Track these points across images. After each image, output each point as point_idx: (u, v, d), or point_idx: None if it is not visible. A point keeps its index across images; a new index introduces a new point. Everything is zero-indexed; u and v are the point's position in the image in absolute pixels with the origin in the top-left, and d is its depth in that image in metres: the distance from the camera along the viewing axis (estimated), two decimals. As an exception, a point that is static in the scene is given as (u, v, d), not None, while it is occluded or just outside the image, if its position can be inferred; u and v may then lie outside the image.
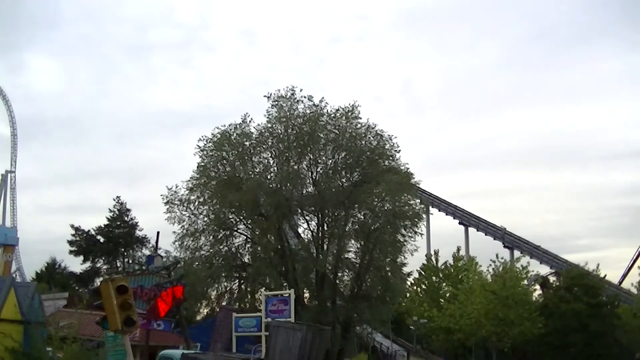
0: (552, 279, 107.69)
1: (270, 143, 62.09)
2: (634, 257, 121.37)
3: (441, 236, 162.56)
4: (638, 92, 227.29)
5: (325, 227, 62.36)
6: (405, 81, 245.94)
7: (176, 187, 62.29)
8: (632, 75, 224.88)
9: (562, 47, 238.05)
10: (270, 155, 62.54)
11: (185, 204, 61.80)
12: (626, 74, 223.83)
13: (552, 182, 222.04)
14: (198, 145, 62.47)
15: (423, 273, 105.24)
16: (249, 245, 64.28)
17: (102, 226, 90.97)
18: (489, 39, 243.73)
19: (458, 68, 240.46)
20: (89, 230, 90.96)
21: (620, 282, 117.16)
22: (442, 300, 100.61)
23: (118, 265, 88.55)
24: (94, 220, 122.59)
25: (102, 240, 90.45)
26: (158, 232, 59.33)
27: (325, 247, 61.74)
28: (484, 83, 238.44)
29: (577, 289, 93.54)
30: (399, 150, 64.22)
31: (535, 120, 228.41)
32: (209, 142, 62.25)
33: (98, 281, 77.89)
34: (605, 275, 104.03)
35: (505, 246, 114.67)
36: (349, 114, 62.61)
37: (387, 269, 63.69)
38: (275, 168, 61.85)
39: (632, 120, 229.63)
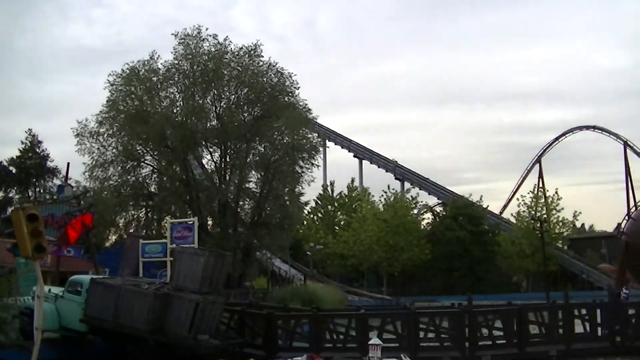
0: (439, 209, 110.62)
1: (176, 79, 62.33)
2: (514, 190, 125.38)
3: (337, 168, 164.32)
4: (521, 41, 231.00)
5: (228, 159, 63.09)
6: (307, 22, 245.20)
7: (86, 120, 62.37)
8: (516, 26, 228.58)
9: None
10: (176, 90, 62.82)
11: (95, 137, 61.90)
12: (511, 24, 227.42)
13: (441, 120, 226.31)
14: (108, 80, 62.43)
15: (319, 202, 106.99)
16: (155, 176, 64.66)
17: (14, 157, 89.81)
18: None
19: (359, 11, 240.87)
20: (1, 162, 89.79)
21: (501, 213, 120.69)
22: (337, 228, 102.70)
23: (30, 194, 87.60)
24: (8, 152, 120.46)
25: (14, 170, 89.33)
26: (68, 163, 59.02)
27: (227, 177, 62.63)
28: (382, 27, 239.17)
29: (461, 218, 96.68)
30: (299, 87, 65.37)
31: (428, 64, 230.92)
32: (119, 77, 62.20)
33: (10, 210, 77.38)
34: (488, 206, 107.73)
35: (396, 178, 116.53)
36: (252, 52, 63.35)
37: (286, 198, 65.03)
38: (181, 102, 62.18)
39: (516, 65, 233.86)
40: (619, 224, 60.54)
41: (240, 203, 64.62)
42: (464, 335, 32.11)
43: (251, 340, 33.87)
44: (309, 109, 65.92)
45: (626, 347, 33.96)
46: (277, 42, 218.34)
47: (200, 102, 62.18)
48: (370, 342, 26.34)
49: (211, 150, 64.58)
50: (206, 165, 67.02)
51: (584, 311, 35.24)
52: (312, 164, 65.06)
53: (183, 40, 62.15)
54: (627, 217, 58.96)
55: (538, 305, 37.76)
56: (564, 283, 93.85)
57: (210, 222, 64.83)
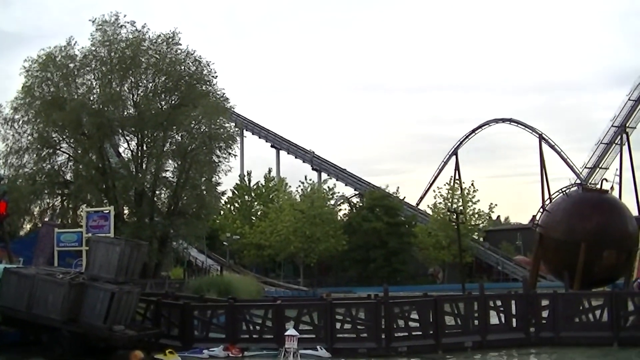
0: (356, 200, 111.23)
1: (93, 66, 61.45)
2: (431, 181, 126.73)
3: (254, 158, 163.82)
4: (437, 29, 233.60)
5: (145, 147, 62.51)
6: (228, 9, 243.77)
7: (0, 106, 61.48)
8: (431, 16, 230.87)
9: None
10: (93, 77, 61.94)
11: (9, 123, 60.94)
12: (427, 14, 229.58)
13: (359, 110, 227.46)
14: (24, 66, 61.30)
15: (236, 192, 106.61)
16: (71, 164, 63.65)
17: None
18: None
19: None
20: None
21: (418, 204, 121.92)
22: (254, 218, 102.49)
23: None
24: None
25: None
26: (-18, 150, 58.46)
27: (144, 166, 62.07)
28: (303, 13, 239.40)
29: (378, 209, 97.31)
30: (216, 76, 65.27)
31: (349, 53, 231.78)
32: (35, 63, 61.14)
33: None
34: (405, 197, 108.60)
35: (313, 169, 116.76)
36: (170, 40, 62.93)
37: (203, 187, 64.84)
38: (98, 90, 61.28)
39: (436, 57, 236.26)
40: (534, 216, 61.52)
41: (157, 192, 64.08)
42: (380, 326, 32.47)
43: (167, 330, 33.80)
44: (227, 98, 65.91)
45: (540, 338, 34.73)
46: (197, 28, 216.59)
47: (118, 89, 61.52)
48: (286, 333, 26.52)
49: (128, 138, 63.94)
50: (123, 154, 66.31)
51: (499, 302, 35.95)
52: (229, 153, 65.03)
53: (101, 27, 61.33)
54: (541, 209, 60.02)
55: (454, 297, 38.36)
56: (480, 274, 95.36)
57: (126, 211, 64.15)
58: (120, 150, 66.74)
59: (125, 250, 31.25)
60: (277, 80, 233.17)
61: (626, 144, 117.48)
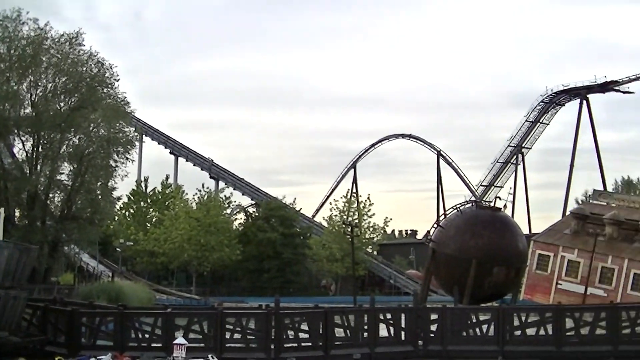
0: (252, 209, 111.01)
1: (-9, 62, 60.21)
2: (328, 194, 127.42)
3: (152, 164, 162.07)
4: (342, 44, 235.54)
5: (40, 149, 61.07)
6: (134, 12, 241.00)
7: None
8: (336, 30, 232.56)
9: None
10: (-10, 74, 60.62)
11: None
12: (332, 28, 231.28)
13: (261, 120, 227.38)
14: None
15: (132, 198, 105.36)
16: (-40, 162, 62.20)
17: None
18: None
19: (188, 5, 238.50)
20: None
21: (314, 216, 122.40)
22: (149, 225, 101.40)
23: None
24: None
25: None
26: None
27: (38, 168, 60.77)
28: (208, 22, 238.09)
29: (274, 219, 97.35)
30: (118, 79, 64.25)
31: (251, 62, 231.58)
32: None
33: None
34: (301, 209, 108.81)
35: (211, 177, 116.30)
36: (73, 40, 61.69)
37: (98, 192, 63.82)
38: (-5, 87, 60.01)
39: (337, 70, 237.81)
40: (428, 232, 62.52)
41: (51, 195, 62.74)
42: (270, 336, 32.32)
43: (53, 337, 32.96)
44: (128, 102, 65.14)
45: (428, 351, 35.11)
46: (102, 31, 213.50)
47: (15, 87, 60.04)
48: (175, 342, 26.20)
49: (23, 139, 62.35)
50: (17, 155, 64.74)
51: (388, 315, 36.19)
52: (127, 158, 64.13)
53: (1, 23, 59.84)
54: (435, 225, 60.93)
55: (344, 309, 38.46)
56: (372, 287, 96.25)
57: (17, 214, 62.72)
58: (15, 150, 65.16)
59: (14, 254, 30.43)
60: (178, 87, 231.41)
61: (521, 163, 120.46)
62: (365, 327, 34.93)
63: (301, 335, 33.66)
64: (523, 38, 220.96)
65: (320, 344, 33.17)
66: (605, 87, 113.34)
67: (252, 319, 34.09)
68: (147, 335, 32.85)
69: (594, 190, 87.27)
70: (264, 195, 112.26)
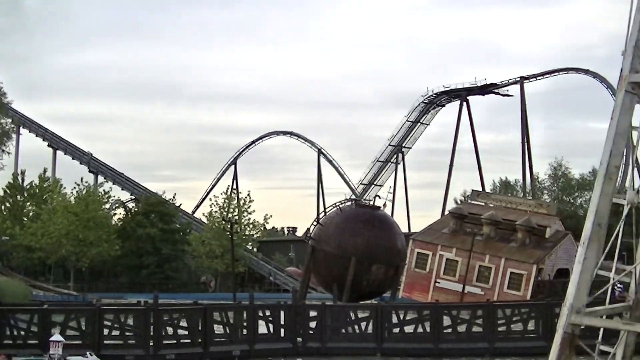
0: (132, 204, 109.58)
1: None
2: (208, 190, 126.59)
3: (29, 157, 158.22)
4: (228, 39, 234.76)
5: None
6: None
7: None
8: (222, 25, 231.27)
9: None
10: None
11: None
12: (218, 23, 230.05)
13: (143, 115, 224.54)
14: None
15: (8, 191, 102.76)
16: None
17: None
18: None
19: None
20: None
21: (194, 212, 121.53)
22: (26, 219, 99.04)
23: None
24: None
25: None
26: None
27: None
28: (91, 13, 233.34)
29: (153, 215, 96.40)
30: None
31: (133, 56, 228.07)
32: None
33: None
34: (181, 205, 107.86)
35: (90, 171, 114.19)
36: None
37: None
38: None
39: (220, 65, 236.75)
40: (308, 229, 62.80)
41: None
42: (148, 333, 32.12)
43: None
44: (4, 93, 63.60)
45: (307, 348, 35.39)
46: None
47: None
48: (51, 339, 25.80)
49: None
50: None
51: (268, 312, 36.37)
52: (3, 150, 62.77)
53: None
54: (315, 223, 61.27)
55: (223, 306, 38.47)
56: (252, 284, 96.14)
57: None
58: None
59: None
60: (58, 79, 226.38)
61: (401, 163, 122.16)
62: (245, 324, 35.04)
63: (180, 332, 33.57)
64: (407, 39, 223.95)
65: (199, 340, 33.14)
66: (485, 89, 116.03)
67: (130, 316, 33.82)
68: (22, 333, 32.28)
69: (473, 190, 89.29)
70: (144, 191, 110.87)
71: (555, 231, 70.27)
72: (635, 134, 11.00)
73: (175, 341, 33.18)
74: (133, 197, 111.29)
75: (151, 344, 31.89)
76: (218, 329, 34.88)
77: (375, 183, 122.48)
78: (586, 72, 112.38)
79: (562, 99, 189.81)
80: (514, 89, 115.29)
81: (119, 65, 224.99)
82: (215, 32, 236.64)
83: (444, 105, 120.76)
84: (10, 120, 67.89)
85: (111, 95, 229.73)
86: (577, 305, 9.36)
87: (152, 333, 32.20)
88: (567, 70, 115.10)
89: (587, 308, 9.50)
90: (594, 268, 9.69)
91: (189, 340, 33.35)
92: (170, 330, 33.31)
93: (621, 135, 9.84)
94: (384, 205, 68.57)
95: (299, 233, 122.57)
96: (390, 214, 75.17)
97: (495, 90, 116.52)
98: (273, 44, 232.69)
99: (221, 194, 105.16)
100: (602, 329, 11.12)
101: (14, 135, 72.71)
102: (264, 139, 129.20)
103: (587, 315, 9.51)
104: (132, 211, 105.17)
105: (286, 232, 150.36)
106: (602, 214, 9.67)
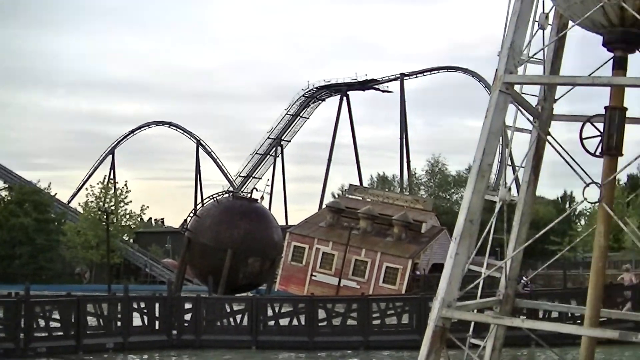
0: (4, 193, 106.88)
1: None
2: (85, 179, 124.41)
3: None
4: (106, 25, 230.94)
5: None
6: None
7: None
8: (100, 10, 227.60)
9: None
10: None
11: None
12: (94, 7, 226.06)
13: (18, 100, 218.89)
14: None
15: None
16: None
17: None
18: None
19: None
20: None
21: (69, 202, 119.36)
22: None
23: None
24: None
25: None
26: None
27: None
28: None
29: (27, 204, 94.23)
30: None
31: (8, 39, 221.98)
32: None
33: None
34: (56, 194, 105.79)
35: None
36: None
37: None
38: None
39: (99, 51, 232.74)
40: (185, 220, 62.40)
41: None
42: (19, 326, 31.40)
43: None
44: None
45: (182, 341, 35.20)
46: None
47: None
48: None
49: None
50: None
51: (142, 304, 36.02)
52: None
53: None
54: (192, 214, 60.96)
55: (97, 297, 37.95)
56: (128, 276, 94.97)
57: None
58: None
59: None
60: None
61: (280, 155, 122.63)
62: (119, 316, 34.64)
63: (52, 324, 32.93)
64: (289, 31, 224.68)
65: (72, 333, 32.58)
66: (366, 85, 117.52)
67: (0, 308, 33.02)
68: None
69: (350, 184, 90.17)
70: (18, 179, 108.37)
71: (431, 227, 71.61)
72: (508, 132, 11.30)
73: (47, 334, 32.54)
74: (6, 186, 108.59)
75: (21, 336, 31.19)
76: (92, 321, 34.36)
77: (253, 176, 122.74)
78: (465, 71, 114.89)
79: (442, 96, 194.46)
80: (395, 86, 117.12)
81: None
82: (97, 18, 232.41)
83: (324, 100, 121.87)
84: None
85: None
86: (448, 299, 9.54)
87: (22, 326, 31.49)
88: (446, 68, 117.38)
89: (458, 302, 9.70)
90: (465, 263, 9.87)
91: (61, 333, 32.75)
92: (42, 322, 32.63)
93: (494, 134, 10.07)
94: (262, 197, 68.68)
95: (176, 224, 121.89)
96: (267, 207, 75.31)
97: (376, 86, 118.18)
98: (154, 33, 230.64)
99: (98, 183, 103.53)
100: (472, 323, 11.39)
101: None
102: (142, 129, 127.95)
103: (458, 309, 9.69)
104: (5, 200, 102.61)
105: (162, 223, 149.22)
106: (474, 211, 9.86)
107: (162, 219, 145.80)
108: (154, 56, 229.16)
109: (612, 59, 11.66)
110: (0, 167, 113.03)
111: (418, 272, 66.67)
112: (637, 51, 12.17)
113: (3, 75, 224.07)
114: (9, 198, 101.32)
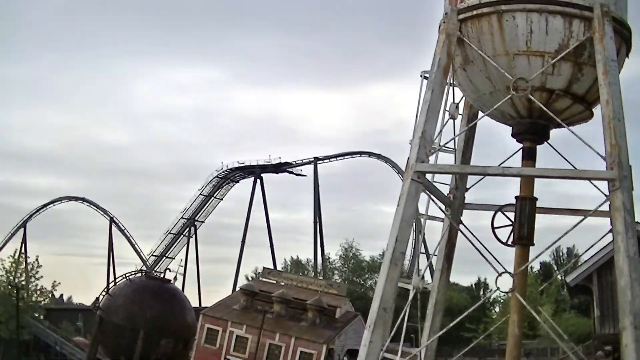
0: None
1: None
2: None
3: None
4: (24, 100, 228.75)
5: None
6: None
7: None
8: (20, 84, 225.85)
9: None
10: None
11: None
12: (18, 82, 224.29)
13: None
14: None
15: None
16: None
17: None
18: None
19: None
20: None
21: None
22: None
23: None
24: None
25: None
26: None
27: None
28: None
29: None
30: None
31: None
32: None
33: None
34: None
35: None
36: None
37: None
38: None
39: (16, 124, 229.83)
40: (97, 298, 61.24)
41: None
42: None
43: None
44: None
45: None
46: None
47: None
48: None
49: None
50: None
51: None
52: None
53: None
54: (104, 292, 59.92)
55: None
56: (37, 354, 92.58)
57: None
58: None
59: None
60: None
61: (193, 236, 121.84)
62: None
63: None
64: (204, 112, 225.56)
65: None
66: (279, 167, 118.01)
67: None
68: None
69: (264, 267, 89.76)
70: None
71: (346, 312, 71.47)
72: (421, 220, 11.37)
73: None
74: None
75: None
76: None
77: (167, 255, 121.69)
78: (378, 156, 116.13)
79: (355, 181, 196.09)
80: (308, 169, 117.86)
81: None
82: (11, 89, 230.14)
83: (238, 181, 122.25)
84: None
85: None
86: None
87: None
88: (359, 153, 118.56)
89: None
90: (380, 351, 9.85)
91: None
92: None
93: (407, 222, 10.14)
94: (175, 278, 67.66)
95: (88, 302, 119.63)
96: (180, 288, 74.44)
97: (289, 169, 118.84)
98: (70, 107, 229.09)
99: (8, 257, 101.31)
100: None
101: None
102: (55, 204, 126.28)
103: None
104: None
105: (75, 300, 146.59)
106: (387, 298, 9.87)
107: (70, 296, 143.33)
108: (68, 130, 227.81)
109: (520, 149, 11.95)
110: None
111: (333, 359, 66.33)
112: (545, 142, 12.49)
113: None
114: None
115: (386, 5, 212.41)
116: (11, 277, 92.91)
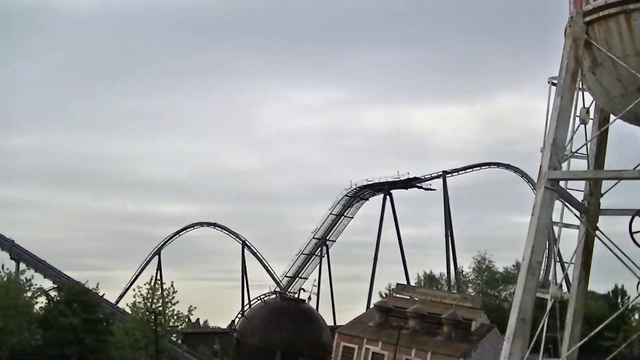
0: (54, 293, 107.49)
1: None
2: (132, 280, 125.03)
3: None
4: (153, 131, 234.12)
5: None
6: None
7: None
8: (150, 115, 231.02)
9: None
10: None
11: None
12: (148, 114, 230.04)
13: (65, 201, 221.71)
14: None
15: None
16: None
17: None
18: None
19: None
20: None
21: (117, 302, 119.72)
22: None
23: None
24: None
25: None
26: None
27: None
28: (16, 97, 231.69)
29: (76, 304, 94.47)
30: None
31: (58, 142, 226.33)
32: None
33: None
34: (104, 294, 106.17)
35: (12, 258, 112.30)
36: None
37: None
38: None
39: (147, 155, 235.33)
40: (233, 321, 62.21)
41: None
42: None
43: None
44: None
45: None
46: None
47: None
48: None
49: None
50: None
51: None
52: None
53: None
54: (240, 315, 60.74)
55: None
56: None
57: None
58: None
59: None
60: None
61: (325, 255, 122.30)
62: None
63: None
64: (330, 133, 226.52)
65: None
66: (408, 183, 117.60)
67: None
68: None
69: (397, 283, 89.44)
70: (66, 279, 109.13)
71: (481, 324, 70.55)
72: (556, 228, 11.15)
73: None
74: (55, 286, 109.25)
75: None
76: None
77: (299, 276, 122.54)
78: (507, 166, 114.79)
79: (485, 192, 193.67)
80: (437, 183, 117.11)
81: (42, 150, 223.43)
82: (142, 121, 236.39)
83: (367, 199, 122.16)
84: None
85: (33, 180, 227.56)
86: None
87: None
88: (488, 164, 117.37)
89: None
90: (519, 363, 9.71)
91: None
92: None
93: (542, 231, 10.00)
94: (309, 298, 68.31)
95: (224, 325, 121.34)
96: (315, 307, 74.94)
97: (418, 184, 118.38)
98: (199, 135, 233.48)
99: (145, 284, 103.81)
100: None
101: None
102: (188, 230, 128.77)
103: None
104: (54, 300, 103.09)
105: (211, 324, 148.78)
106: (525, 309, 9.75)
107: (206, 320, 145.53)
108: (198, 157, 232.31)
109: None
110: (50, 266, 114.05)
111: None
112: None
113: (51, 175, 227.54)
114: (58, 298, 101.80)
115: (505, 13, 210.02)
116: (149, 304, 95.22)
